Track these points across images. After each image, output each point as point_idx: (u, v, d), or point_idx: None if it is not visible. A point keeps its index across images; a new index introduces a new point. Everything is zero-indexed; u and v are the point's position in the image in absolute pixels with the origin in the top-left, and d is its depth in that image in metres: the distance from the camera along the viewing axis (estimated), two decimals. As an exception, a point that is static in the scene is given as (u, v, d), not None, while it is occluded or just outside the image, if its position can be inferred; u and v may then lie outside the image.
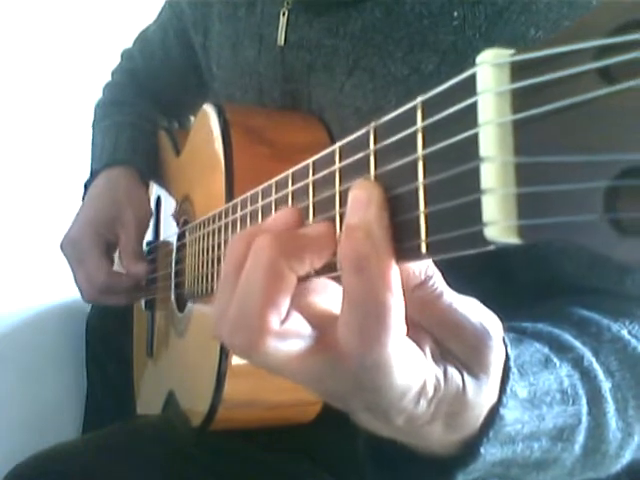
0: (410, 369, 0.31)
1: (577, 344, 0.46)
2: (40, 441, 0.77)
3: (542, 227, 0.21)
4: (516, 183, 0.22)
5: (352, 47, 0.64)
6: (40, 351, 1.11)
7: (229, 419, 0.66)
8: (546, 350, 0.44)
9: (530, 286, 0.59)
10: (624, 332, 0.49)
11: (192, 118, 1.07)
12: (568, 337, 0.47)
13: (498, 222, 0.22)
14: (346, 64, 0.65)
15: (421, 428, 0.34)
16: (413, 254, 0.27)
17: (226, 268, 0.34)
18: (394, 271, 0.29)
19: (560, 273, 0.56)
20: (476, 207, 0.23)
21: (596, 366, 0.45)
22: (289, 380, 0.33)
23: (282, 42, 0.72)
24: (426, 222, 0.26)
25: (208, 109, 0.72)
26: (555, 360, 0.43)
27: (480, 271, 0.55)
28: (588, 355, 0.46)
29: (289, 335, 0.31)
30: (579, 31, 0.20)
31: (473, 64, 0.23)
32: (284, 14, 0.71)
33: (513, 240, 0.22)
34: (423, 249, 0.26)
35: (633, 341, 0.49)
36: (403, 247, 0.28)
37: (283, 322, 0.31)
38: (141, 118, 1.01)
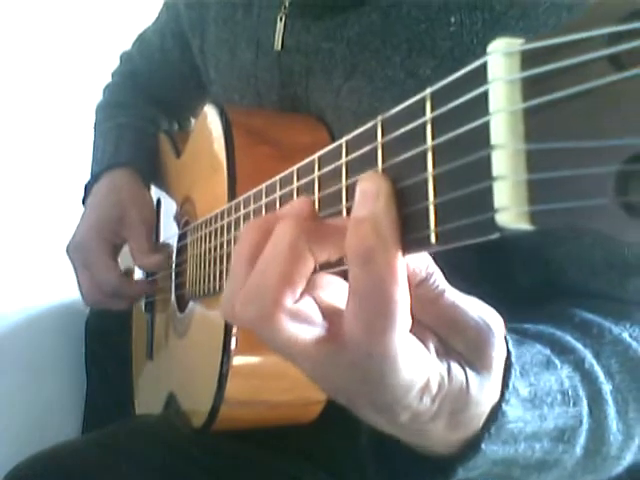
0: (415, 364, 0.31)
1: (578, 346, 0.47)
2: (40, 441, 0.76)
3: (553, 212, 0.21)
4: (527, 170, 0.22)
5: (349, 51, 0.64)
6: (40, 351, 1.11)
7: (231, 419, 0.66)
8: (547, 351, 0.44)
9: (530, 290, 0.59)
10: (625, 335, 0.50)
11: (192, 120, 1.08)
12: (569, 339, 0.47)
13: (509, 208, 0.22)
14: (344, 68, 0.64)
15: (425, 425, 0.34)
16: (422, 245, 0.28)
17: (240, 251, 0.35)
18: (400, 263, 0.29)
19: (561, 277, 0.57)
20: (487, 194, 0.23)
21: (597, 368, 0.46)
22: (292, 364, 0.33)
23: (279, 47, 0.72)
24: (435, 212, 0.26)
25: (210, 110, 0.73)
26: (556, 361, 0.43)
27: (480, 275, 0.56)
28: (589, 357, 0.46)
29: (300, 315, 0.32)
30: (589, 20, 0.21)
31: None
32: (281, 19, 0.71)
33: (524, 226, 0.22)
34: (432, 239, 0.27)
35: (634, 344, 0.49)
36: (411, 238, 0.28)
37: (296, 302, 0.32)
38: (142, 119, 1.01)
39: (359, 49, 0.63)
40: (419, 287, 0.32)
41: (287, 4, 0.71)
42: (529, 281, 0.59)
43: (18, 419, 1.06)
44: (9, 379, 1.07)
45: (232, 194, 0.63)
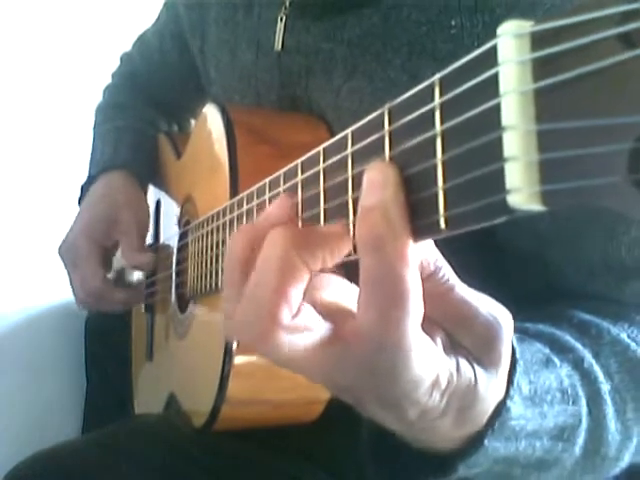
0: (425, 358, 0.31)
1: (578, 345, 0.47)
2: (40, 441, 0.76)
3: (564, 192, 0.21)
4: (538, 150, 0.22)
5: (350, 52, 0.64)
6: (40, 351, 1.11)
7: (232, 419, 0.66)
8: (547, 350, 0.44)
9: (529, 291, 0.59)
10: (623, 335, 0.50)
11: (192, 121, 1.08)
12: (569, 338, 0.47)
13: (521, 189, 0.22)
14: (344, 68, 0.64)
15: (432, 422, 0.34)
16: (431, 230, 0.28)
17: (229, 264, 0.34)
18: (411, 250, 0.29)
19: (560, 279, 0.57)
20: (499, 176, 0.23)
21: (596, 368, 0.46)
22: (298, 374, 0.33)
23: (279, 47, 0.72)
24: (445, 197, 0.26)
25: (211, 109, 0.73)
26: (556, 360, 0.43)
27: (479, 276, 0.56)
28: (588, 357, 0.46)
29: (300, 329, 0.31)
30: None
31: None
32: (281, 19, 0.71)
33: (536, 207, 0.22)
34: (442, 224, 0.27)
35: (632, 344, 0.49)
36: (421, 224, 0.28)
37: (295, 316, 0.31)
38: (141, 121, 1.02)
39: (360, 51, 0.63)
40: (428, 280, 0.32)
41: (287, 4, 0.71)
42: (528, 282, 0.60)
43: (18, 419, 1.05)
44: (9, 379, 1.07)
45: (234, 192, 0.63)
